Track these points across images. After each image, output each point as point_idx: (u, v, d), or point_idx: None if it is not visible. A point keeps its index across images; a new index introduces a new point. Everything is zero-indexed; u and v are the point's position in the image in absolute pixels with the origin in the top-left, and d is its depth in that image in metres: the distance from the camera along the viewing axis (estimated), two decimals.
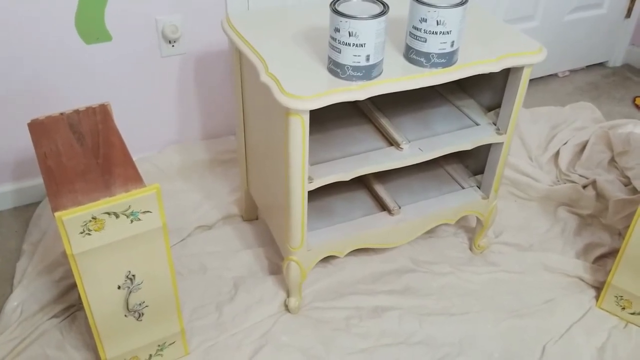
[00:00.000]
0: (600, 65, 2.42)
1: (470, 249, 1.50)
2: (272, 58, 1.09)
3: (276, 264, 1.43)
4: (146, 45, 1.54)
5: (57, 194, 0.95)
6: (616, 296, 1.32)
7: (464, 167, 1.47)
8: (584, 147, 1.82)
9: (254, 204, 1.51)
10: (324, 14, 1.20)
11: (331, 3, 1.02)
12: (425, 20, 1.05)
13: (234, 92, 1.57)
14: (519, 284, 1.42)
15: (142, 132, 1.68)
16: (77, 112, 1.14)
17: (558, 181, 1.73)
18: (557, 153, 1.81)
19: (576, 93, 2.21)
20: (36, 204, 1.59)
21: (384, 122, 1.30)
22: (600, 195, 1.63)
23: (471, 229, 1.55)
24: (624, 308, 1.33)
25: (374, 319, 1.31)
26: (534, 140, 1.85)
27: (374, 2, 1.05)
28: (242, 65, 1.27)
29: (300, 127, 1.04)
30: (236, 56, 1.27)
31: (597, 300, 1.37)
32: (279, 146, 1.12)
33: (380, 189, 1.38)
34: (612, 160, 1.77)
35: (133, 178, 0.99)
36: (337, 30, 1.01)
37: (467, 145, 1.26)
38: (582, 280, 1.43)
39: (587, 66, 2.39)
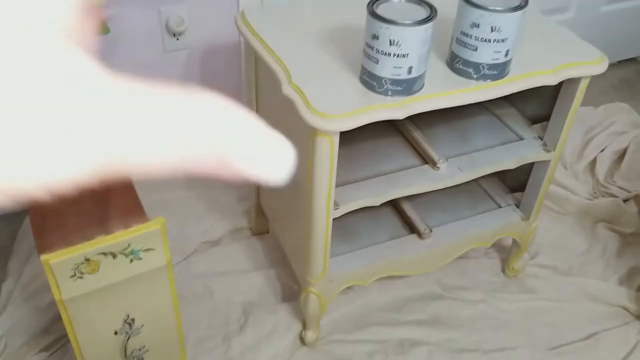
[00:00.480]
0: (633, 60, 2.25)
1: (503, 271, 1.36)
2: (296, 65, 0.93)
3: (290, 287, 1.29)
4: (148, 38, 1.38)
5: (44, 230, 0.80)
6: None
7: (500, 181, 1.32)
8: (622, 154, 1.67)
9: (264, 216, 1.37)
10: (352, 10, 1.04)
11: (369, 3, 0.86)
12: (478, 26, 0.89)
13: (245, 95, 1.42)
14: (557, 314, 1.28)
15: None
16: None
17: (595, 193, 1.58)
18: (594, 161, 1.66)
19: (609, 92, 2.05)
20: (26, 212, 1.43)
21: (417, 134, 1.15)
22: None
23: (504, 248, 1.41)
24: None
25: (400, 356, 1.17)
26: (567, 145, 1.70)
27: (418, 3, 0.89)
28: (258, 68, 1.11)
29: (328, 150, 0.89)
30: (251, 57, 1.11)
31: None
32: (300, 165, 0.97)
33: (407, 206, 1.23)
34: None
35: (133, 209, 0.84)
36: (375, 37, 0.85)
37: (510, 164, 1.12)
38: (627, 310, 1.30)
39: (619, 61, 2.23)
